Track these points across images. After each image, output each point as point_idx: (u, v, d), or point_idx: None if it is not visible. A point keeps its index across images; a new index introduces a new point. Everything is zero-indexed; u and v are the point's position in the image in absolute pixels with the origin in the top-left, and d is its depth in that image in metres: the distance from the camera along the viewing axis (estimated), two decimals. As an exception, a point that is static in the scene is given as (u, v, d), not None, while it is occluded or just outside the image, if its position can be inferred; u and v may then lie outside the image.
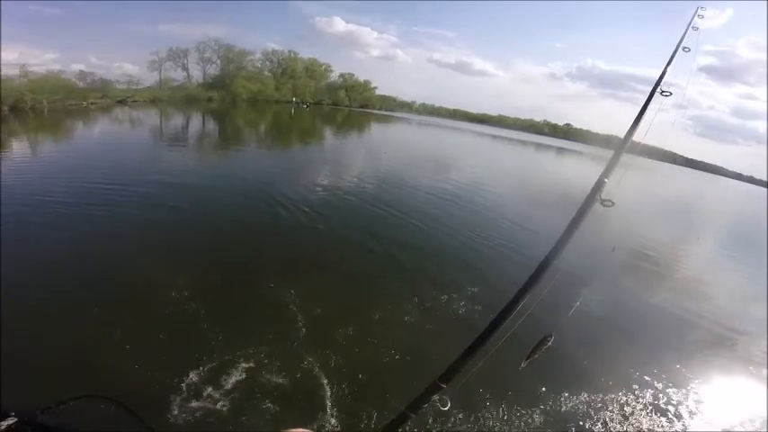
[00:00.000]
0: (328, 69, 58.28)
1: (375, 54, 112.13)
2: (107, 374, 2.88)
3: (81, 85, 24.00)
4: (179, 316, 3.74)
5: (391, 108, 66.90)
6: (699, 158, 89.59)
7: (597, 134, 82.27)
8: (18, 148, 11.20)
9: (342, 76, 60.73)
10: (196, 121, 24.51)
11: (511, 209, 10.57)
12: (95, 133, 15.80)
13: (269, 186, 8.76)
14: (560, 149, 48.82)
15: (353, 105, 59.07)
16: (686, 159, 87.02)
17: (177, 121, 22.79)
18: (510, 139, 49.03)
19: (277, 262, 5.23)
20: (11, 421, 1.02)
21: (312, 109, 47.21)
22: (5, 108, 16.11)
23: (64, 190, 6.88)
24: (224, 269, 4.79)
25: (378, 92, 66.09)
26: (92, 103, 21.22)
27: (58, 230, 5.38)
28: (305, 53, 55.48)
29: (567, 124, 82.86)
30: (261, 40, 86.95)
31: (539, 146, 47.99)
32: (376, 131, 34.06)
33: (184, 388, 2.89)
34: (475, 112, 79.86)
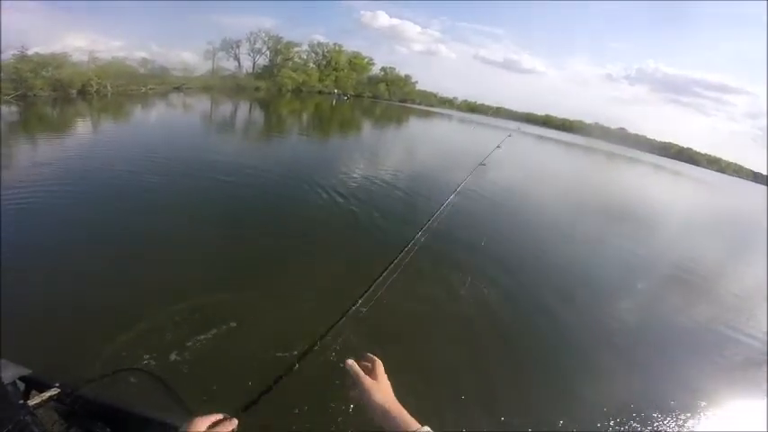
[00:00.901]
0: (370, 63, 58.43)
1: (418, 49, 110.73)
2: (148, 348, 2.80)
3: (142, 71, 25.51)
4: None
5: (431, 103, 65.74)
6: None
7: (653, 140, 76.08)
8: (83, 126, 12.07)
9: (383, 69, 60.69)
10: (243, 109, 25.33)
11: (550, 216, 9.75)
12: (151, 116, 16.74)
13: (306, 171, 8.92)
14: (611, 154, 45.52)
15: (393, 99, 58.69)
16: (753, 173, 78.12)
17: (226, 108, 23.63)
18: (556, 141, 46.38)
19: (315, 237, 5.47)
20: (54, 392, 1.07)
21: (352, 101, 47.43)
22: (74, 91, 17.46)
23: (125, 162, 7.51)
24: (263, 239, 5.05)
25: (418, 87, 65.28)
26: (150, 89, 22.50)
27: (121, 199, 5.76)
28: (349, 46, 55.89)
29: (621, 128, 77.38)
30: (308, 33, 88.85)
31: (587, 149, 45.02)
32: (413, 126, 33.43)
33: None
34: (520, 110, 76.52)
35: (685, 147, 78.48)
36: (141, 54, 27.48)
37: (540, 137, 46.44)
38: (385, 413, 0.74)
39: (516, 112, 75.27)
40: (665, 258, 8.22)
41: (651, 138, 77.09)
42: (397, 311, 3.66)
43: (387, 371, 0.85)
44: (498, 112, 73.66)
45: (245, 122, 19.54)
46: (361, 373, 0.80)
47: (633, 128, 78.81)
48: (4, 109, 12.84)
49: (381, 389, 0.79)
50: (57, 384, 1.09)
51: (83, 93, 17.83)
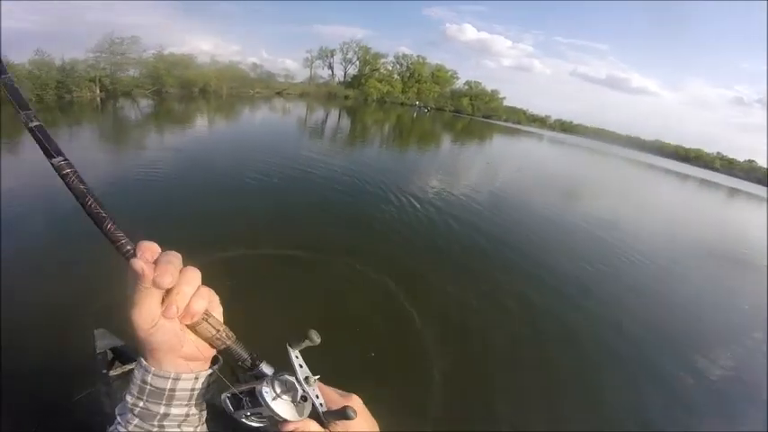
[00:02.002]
0: (454, 76, 57.42)
1: (507, 64, 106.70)
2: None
3: (252, 75, 28.10)
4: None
5: (519, 121, 62.15)
6: None
7: None
8: (200, 121, 13.32)
9: (467, 83, 59.15)
10: (333, 115, 26.30)
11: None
12: (257, 116, 18.11)
13: (384, 176, 9.14)
14: (733, 190, 37.73)
15: (476, 114, 56.72)
16: None
17: (318, 114, 24.74)
18: (666, 170, 40.09)
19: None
20: (135, 365, 1.04)
21: (432, 114, 46.85)
22: (196, 90, 19.59)
23: (229, 153, 8.76)
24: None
25: (506, 103, 62.35)
26: (257, 92, 24.52)
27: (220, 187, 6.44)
28: (434, 58, 55.73)
29: (750, 161, 64.51)
30: (395, 44, 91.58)
31: (703, 182, 37.99)
32: (496, 144, 31.48)
33: None
34: (624, 134, 68.37)
35: None
36: (253, 59, 30.46)
37: (651, 165, 40.61)
38: None
39: (620, 135, 67.32)
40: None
41: None
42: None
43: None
44: (598, 134, 66.54)
45: (335, 128, 20.15)
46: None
47: (763, 160, 65.24)
48: (144, 102, 14.73)
49: None
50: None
51: (203, 92, 19.93)
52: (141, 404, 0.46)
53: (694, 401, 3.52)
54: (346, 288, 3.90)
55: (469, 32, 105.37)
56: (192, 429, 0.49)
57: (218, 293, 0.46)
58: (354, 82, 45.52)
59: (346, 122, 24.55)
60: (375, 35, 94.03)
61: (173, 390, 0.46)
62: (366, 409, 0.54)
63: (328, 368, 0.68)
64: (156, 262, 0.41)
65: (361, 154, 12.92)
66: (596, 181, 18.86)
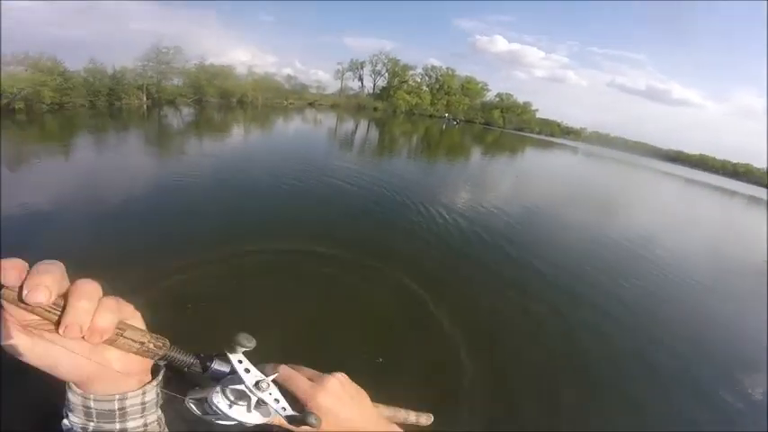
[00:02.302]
0: (484, 88, 56.92)
1: (540, 75, 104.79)
2: None
3: (287, 86, 29.06)
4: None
5: (552, 133, 60.44)
6: None
7: None
8: (237, 129, 13.78)
9: (498, 95, 58.43)
10: (362, 126, 26.59)
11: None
12: (289, 126, 18.54)
13: (412, 187, 9.08)
14: None
15: (507, 127, 55.74)
16: None
17: (348, 125, 25.10)
18: (710, 186, 37.33)
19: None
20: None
21: (462, 127, 46.41)
22: (234, 100, 20.42)
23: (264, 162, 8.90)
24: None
25: (539, 115, 60.95)
26: (290, 103, 25.28)
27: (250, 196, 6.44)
28: (464, 70, 55.53)
29: (807, 178, 59.04)
30: (424, 57, 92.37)
31: (752, 198, 34.97)
32: (528, 157, 30.56)
33: None
34: (665, 147, 64.81)
35: None
36: (287, 70, 31.57)
37: (693, 180, 38.07)
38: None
39: (661, 149, 63.90)
40: None
41: None
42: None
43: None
44: (636, 147, 63.42)
45: (363, 139, 20.30)
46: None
47: None
48: (186, 110, 15.46)
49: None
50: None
51: (240, 102, 20.74)
52: (92, 425, 0.43)
53: (731, 417, 3.26)
54: (376, 292, 3.78)
55: (500, 44, 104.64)
56: None
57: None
58: (383, 94, 46.09)
59: (374, 134, 24.74)
60: (404, 47, 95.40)
61: (122, 408, 0.43)
62: (352, 384, 0.55)
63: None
64: (25, 278, 0.32)
65: (389, 165, 12.89)
66: (636, 197, 17.78)
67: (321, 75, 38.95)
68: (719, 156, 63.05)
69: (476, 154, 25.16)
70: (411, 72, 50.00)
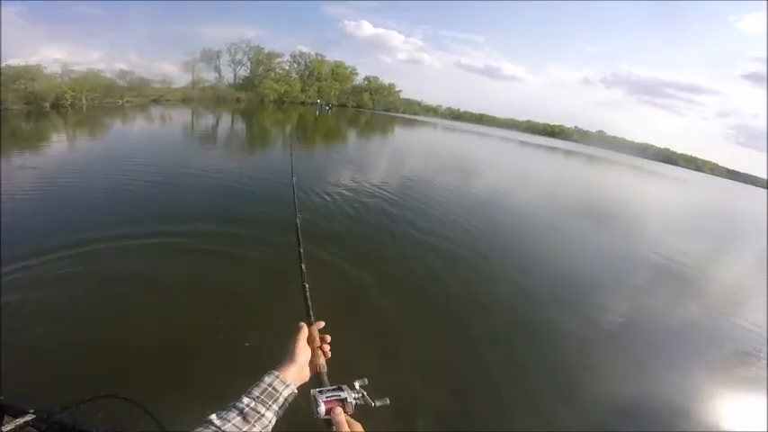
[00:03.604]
0: (353, 72, 58.74)
1: (401, 58, 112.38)
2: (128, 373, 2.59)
3: (121, 83, 24.86)
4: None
5: (415, 112, 66.50)
6: (741, 170, 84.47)
7: (632, 142, 78.84)
8: (57, 140, 11.57)
9: (367, 78, 61.09)
10: (225, 120, 24.93)
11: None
12: (124, 129, 16.18)
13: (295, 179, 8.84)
14: (591, 157, 46.88)
15: (377, 108, 59.10)
16: (728, 170, 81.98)
17: (207, 120, 23.20)
18: (537, 146, 47.48)
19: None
20: (28, 417, 1.07)
21: (335, 111, 47.44)
22: (47, 104, 16.84)
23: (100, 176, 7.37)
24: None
25: (403, 96, 66.01)
26: (127, 102, 21.94)
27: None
28: (334, 56, 56.06)
29: (600, 131, 79.85)
30: (292, 43, 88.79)
31: (567, 153, 46.29)
32: (399, 135, 33.62)
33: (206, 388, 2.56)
34: (502, 117, 78.12)
35: (663, 147, 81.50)
36: (120, 66, 26.91)
37: (523, 142, 47.50)
38: None
39: (499, 119, 76.89)
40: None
41: (630, 140, 79.83)
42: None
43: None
44: (481, 119, 74.97)
45: (228, 133, 19.20)
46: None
47: (612, 131, 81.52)
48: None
49: None
50: (31, 410, 1.08)
51: (56, 106, 17.21)
52: (252, 404, 0.62)
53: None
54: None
55: (367, 28, 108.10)
56: None
57: None
58: (247, 84, 43.39)
59: (241, 126, 23.55)
60: (269, 35, 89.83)
61: (283, 395, 0.67)
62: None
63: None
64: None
65: (263, 157, 12.79)
66: (483, 160, 21.58)
67: (167, 67, 34.30)
68: (542, 120, 79.68)
69: (352, 136, 26.39)
70: (278, 60, 48.10)
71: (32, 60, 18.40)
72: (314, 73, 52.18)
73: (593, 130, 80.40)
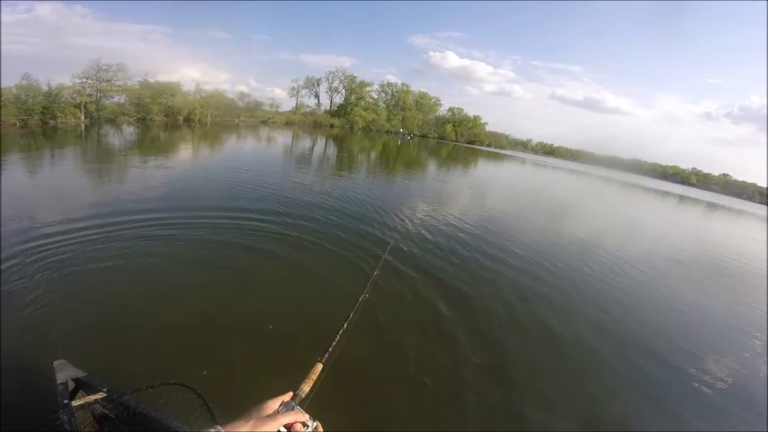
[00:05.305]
0: (437, 103, 59.56)
1: (489, 89, 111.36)
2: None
3: (240, 104, 28.38)
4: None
5: (501, 145, 64.20)
6: None
7: (764, 188, 64.62)
8: (184, 148, 13.20)
9: (450, 110, 61.31)
10: (319, 144, 26.56)
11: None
12: (238, 146, 17.96)
13: (373, 203, 9.01)
14: (711, 204, 39.16)
15: (460, 140, 58.43)
16: None
17: (305, 142, 24.93)
18: (645, 188, 41.47)
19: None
20: (99, 396, 1.27)
21: (416, 141, 47.94)
22: (181, 118, 19.64)
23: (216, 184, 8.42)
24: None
25: (489, 128, 64.56)
26: (242, 121, 24.73)
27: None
28: (419, 86, 57.74)
29: (725, 175, 67.46)
30: (380, 73, 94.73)
31: (682, 198, 39.42)
32: (481, 168, 32.19)
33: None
34: (602, 154, 70.92)
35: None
36: (241, 88, 31.05)
37: (629, 183, 41.99)
38: None
39: (599, 156, 69.70)
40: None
41: (762, 186, 65.44)
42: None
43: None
44: (578, 156, 68.82)
45: (321, 156, 20.23)
46: None
47: (740, 174, 67.87)
48: (127, 129, 14.63)
49: None
50: (105, 390, 1.25)
51: (188, 120, 19.97)
52: None
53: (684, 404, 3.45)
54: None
55: (452, 59, 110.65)
56: None
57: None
58: (340, 110, 46.60)
59: (333, 150, 24.80)
60: (361, 64, 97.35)
61: None
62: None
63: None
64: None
65: (350, 181, 13.00)
66: (580, 203, 19.27)
67: (277, 92, 39.00)
68: (650, 159, 70.20)
69: (432, 167, 26.03)
70: (368, 88, 51.20)
71: (174, 78, 21.95)
72: (399, 102, 54.06)
73: (714, 172, 68.08)
